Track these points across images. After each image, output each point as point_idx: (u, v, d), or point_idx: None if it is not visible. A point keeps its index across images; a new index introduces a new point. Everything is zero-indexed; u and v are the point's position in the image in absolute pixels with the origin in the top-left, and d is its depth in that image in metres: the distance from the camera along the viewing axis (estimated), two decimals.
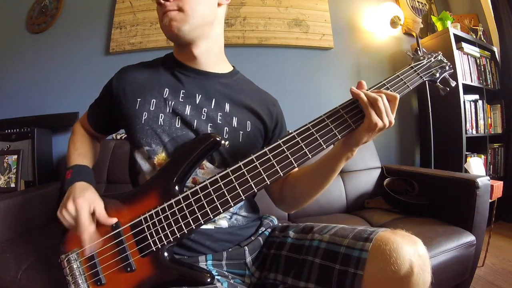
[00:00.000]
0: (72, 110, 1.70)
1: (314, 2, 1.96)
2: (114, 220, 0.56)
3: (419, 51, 0.69)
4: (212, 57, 0.68)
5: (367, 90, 0.54)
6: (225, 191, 0.53)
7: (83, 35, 1.87)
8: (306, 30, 1.93)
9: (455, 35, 1.86)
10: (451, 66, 0.68)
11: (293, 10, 1.93)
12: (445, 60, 0.68)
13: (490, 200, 1.16)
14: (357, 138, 0.53)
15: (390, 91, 0.55)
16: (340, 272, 0.51)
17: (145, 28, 1.85)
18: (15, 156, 1.53)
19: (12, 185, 1.50)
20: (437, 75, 0.65)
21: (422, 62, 0.64)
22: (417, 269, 0.46)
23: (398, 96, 0.53)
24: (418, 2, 2.26)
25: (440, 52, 0.70)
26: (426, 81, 0.64)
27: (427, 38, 2.02)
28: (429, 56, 0.67)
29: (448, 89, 0.67)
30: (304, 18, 1.94)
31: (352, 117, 0.53)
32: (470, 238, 1.04)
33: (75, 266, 0.57)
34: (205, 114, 0.64)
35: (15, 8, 1.94)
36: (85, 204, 0.55)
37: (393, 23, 1.96)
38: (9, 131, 1.61)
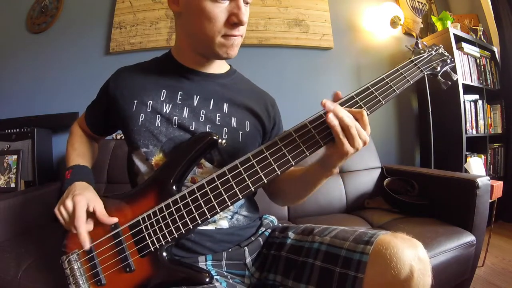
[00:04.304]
0: (72, 110, 1.70)
1: (314, 2, 1.96)
2: (114, 219, 0.56)
3: (419, 44, 0.68)
4: (216, 61, 0.69)
5: (340, 100, 0.52)
6: (222, 191, 0.52)
7: (83, 35, 1.86)
8: (306, 30, 1.93)
9: (455, 35, 1.85)
10: (452, 59, 0.66)
11: (293, 10, 1.93)
12: (446, 53, 0.66)
13: (490, 200, 1.16)
14: (332, 163, 0.52)
15: (361, 104, 0.52)
16: (341, 274, 0.51)
17: (145, 28, 1.85)
18: (15, 156, 1.53)
19: (12, 185, 1.50)
20: (438, 68, 0.63)
21: (423, 56, 0.63)
22: (417, 273, 0.46)
23: (364, 112, 0.49)
24: (418, 2, 2.26)
25: (441, 45, 0.68)
26: (427, 75, 0.63)
27: (427, 38, 2.02)
28: (430, 49, 0.65)
29: (449, 82, 0.66)
30: (304, 18, 1.94)
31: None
32: (470, 238, 1.04)
33: (75, 267, 0.57)
34: (203, 116, 0.64)
35: (15, 8, 1.94)
36: (83, 201, 0.55)
37: (393, 23, 1.96)
38: (9, 131, 1.61)
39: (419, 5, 2.26)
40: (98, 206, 0.57)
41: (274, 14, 1.91)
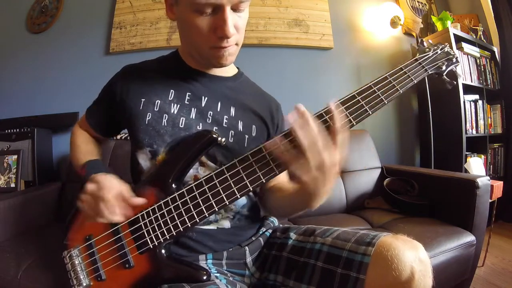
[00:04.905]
0: (72, 110, 1.70)
1: (314, 2, 1.96)
2: (141, 200, 0.55)
3: (424, 43, 0.66)
4: None
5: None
6: (220, 189, 0.52)
7: (83, 35, 1.86)
8: (306, 30, 1.93)
9: (455, 35, 1.85)
10: (458, 58, 0.65)
11: (293, 10, 1.93)
12: (452, 52, 0.65)
13: (490, 200, 1.16)
14: (313, 190, 0.49)
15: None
16: (342, 276, 0.51)
17: (145, 28, 1.85)
18: (15, 156, 1.53)
19: (12, 185, 1.50)
20: (443, 67, 0.62)
21: (428, 54, 0.61)
22: (418, 274, 0.46)
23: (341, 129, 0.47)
24: (418, 2, 2.26)
25: (447, 44, 0.66)
26: (432, 74, 0.61)
27: (427, 38, 2.01)
28: (435, 48, 0.64)
29: (454, 82, 0.64)
30: (304, 18, 1.94)
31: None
32: (470, 238, 1.04)
33: (76, 262, 0.58)
34: (210, 117, 0.63)
35: (15, 8, 1.94)
36: (107, 185, 0.55)
37: (393, 23, 1.96)
38: (9, 131, 1.61)
39: (419, 5, 2.26)
40: (124, 190, 0.56)
41: (274, 14, 1.91)
